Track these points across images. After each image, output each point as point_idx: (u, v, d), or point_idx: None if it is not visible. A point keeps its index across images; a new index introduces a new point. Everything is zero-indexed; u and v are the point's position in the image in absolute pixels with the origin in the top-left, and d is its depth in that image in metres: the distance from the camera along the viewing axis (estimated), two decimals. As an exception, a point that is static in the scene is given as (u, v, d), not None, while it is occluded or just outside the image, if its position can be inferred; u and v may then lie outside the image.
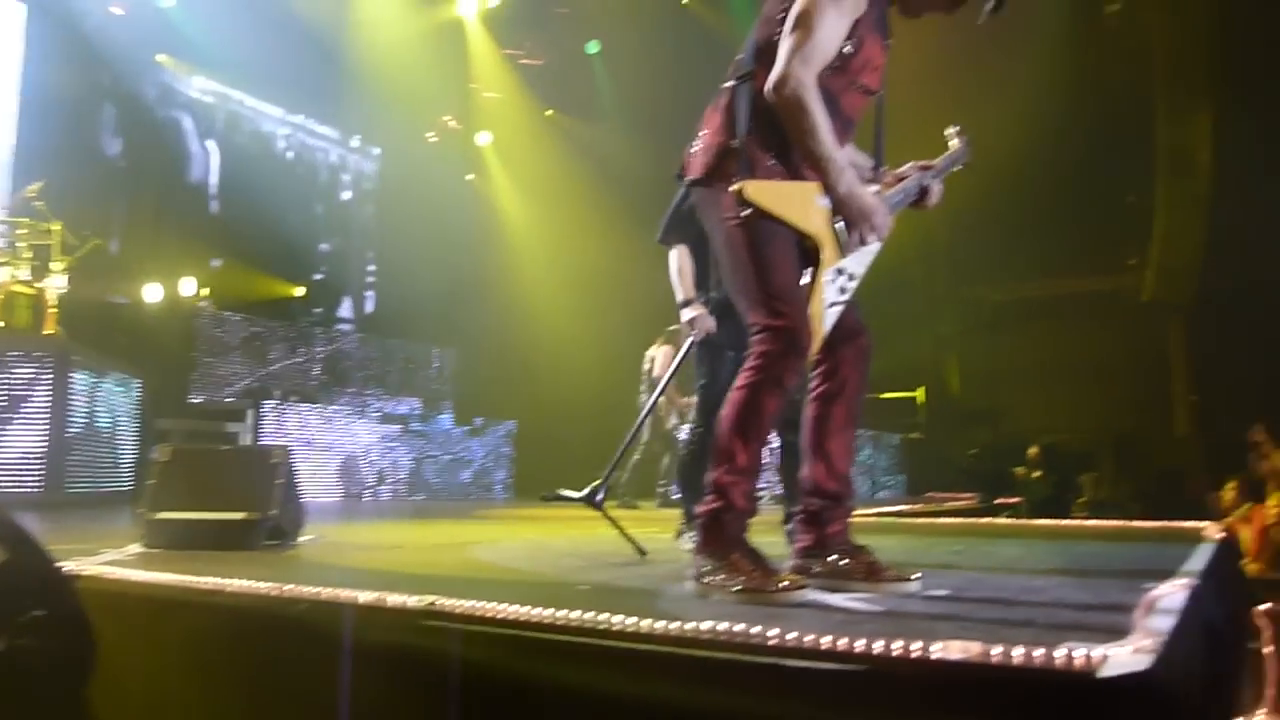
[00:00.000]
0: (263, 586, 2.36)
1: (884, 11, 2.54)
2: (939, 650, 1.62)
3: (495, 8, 13.66)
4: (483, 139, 15.36)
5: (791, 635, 1.75)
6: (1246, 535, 7.54)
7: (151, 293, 10.13)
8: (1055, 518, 9.53)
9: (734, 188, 2.38)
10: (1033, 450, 11.41)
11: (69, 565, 2.61)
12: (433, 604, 2.11)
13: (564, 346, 13.68)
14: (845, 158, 2.48)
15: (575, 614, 1.94)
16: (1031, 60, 12.34)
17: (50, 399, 6.91)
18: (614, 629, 1.87)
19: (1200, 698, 2.01)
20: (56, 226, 7.89)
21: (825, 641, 1.72)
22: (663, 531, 4.27)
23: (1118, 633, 1.77)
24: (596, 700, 1.82)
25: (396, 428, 10.65)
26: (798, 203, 2.44)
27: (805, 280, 2.45)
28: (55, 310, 7.68)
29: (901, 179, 2.75)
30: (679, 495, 3.35)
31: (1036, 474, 11.29)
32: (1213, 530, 4.38)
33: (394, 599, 2.16)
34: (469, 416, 11.64)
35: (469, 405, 12.29)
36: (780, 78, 2.35)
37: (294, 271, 12.91)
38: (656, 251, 4.39)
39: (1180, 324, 14.69)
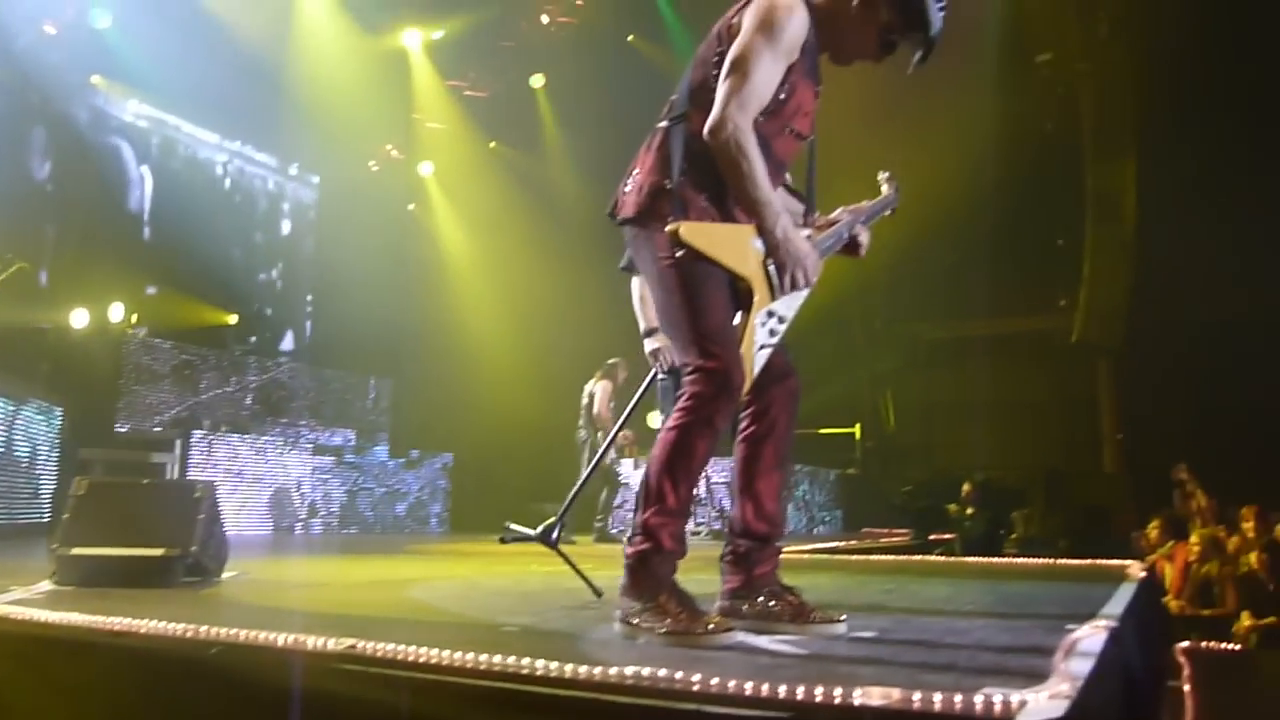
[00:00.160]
0: (175, 628, 2.28)
1: (816, 59, 2.59)
2: (860, 696, 1.62)
3: (439, 39, 13.66)
4: (425, 169, 15.30)
5: (714, 681, 1.74)
6: (1170, 572, 7.71)
7: (78, 318, 9.87)
8: (988, 554, 9.69)
9: (669, 228, 2.39)
10: (966, 487, 11.58)
11: (-29, 605, 2.51)
12: (352, 647, 2.06)
13: (502, 379, 13.60)
14: (779, 201, 2.51)
15: (497, 659, 1.91)
16: (966, 107, 12.68)
17: (-36, 427, 6.68)
18: (536, 674, 1.84)
19: (1117, 741, 2.04)
20: (-22, 249, 7.67)
21: (748, 687, 1.72)
22: (599, 568, 4.23)
23: (1037, 677, 1.79)
24: (517, 747, 1.79)
25: (330, 459, 10.46)
26: (732, 245, 2.46)
27: (737, 322, 2.47)
28: (-27, 335, 7.45)
29: (833, 224, 2.79)
30: None
31: (970, 511, 11.45)
32: (1136, 569, 4.47)
33: (313, 641, 2.11)
34: (405, 448, 11.48)
35: (405, 437, 12.14)
36: (718, 121, 2.38)
37: (228, 299, 12.67)
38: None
39: (1108, 364, 15.07)
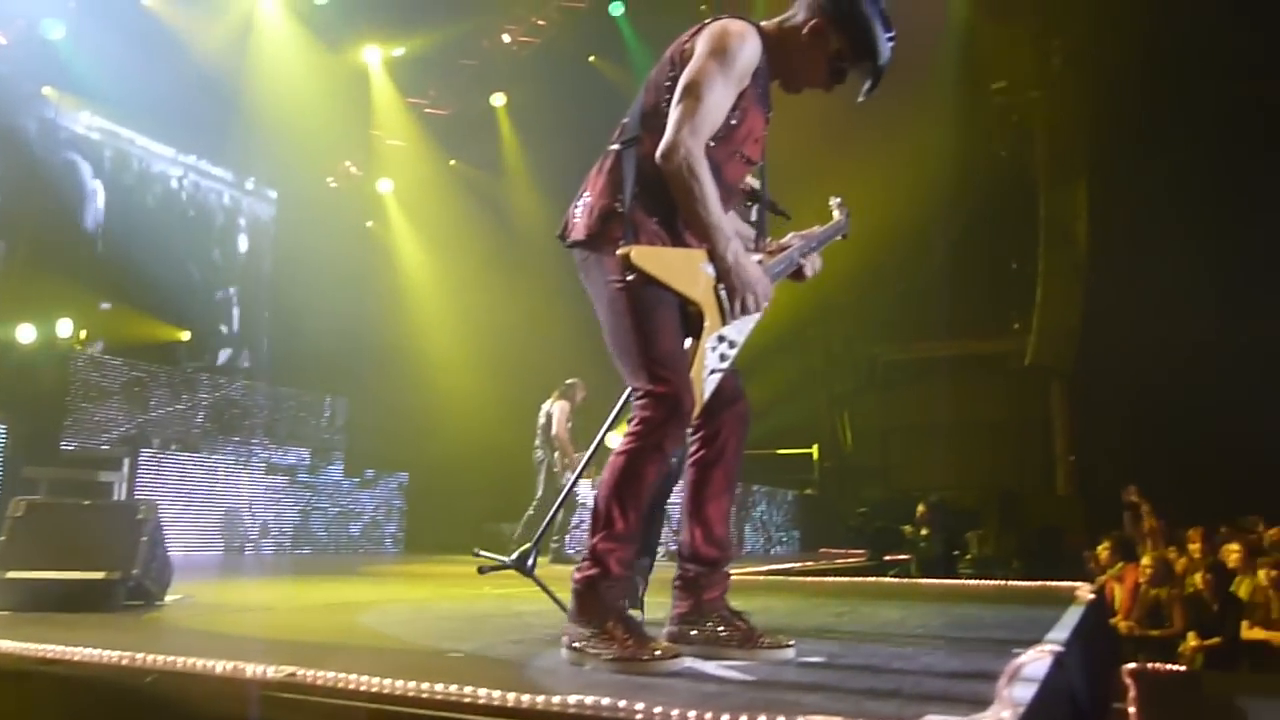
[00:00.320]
0: (109, 655, 2.22)
1: (767, 86, 2.61)
2: (802, 725, 1.62)
3: (400, 56, 13.61)
4: (384, 186, 15.21)
5: (658, 709, 1.73)
6: (1120, 593, 7.81)
7: (24, 334, 9.66)
8: (942, 575, 9.75)
9: (620, 252, 2.38)
10: (921, 508, 11.67)
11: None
12: (292, 675, 2.02)
13: (459, 398, 13.52)
14: (730, 226, 2.51)
15: (439, 687, 1.89)
16: (923, 133, 12.88)
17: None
18: (478, 702, 1.82)
19: (1060, 767, 2.05)
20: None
21: (691, 715, 1.71)
22: (558, 590, 4.18)
23: (980, 703, 1.80)
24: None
25: (283, 478, 10.32)
26: (683, 269, 2.46)
27: (687, 346, 2.47)
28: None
29: (784, 249, 2.80)
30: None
31: (924, 531, 11.53)
32: (1085, 591, 4.53)
33: (252, 669, 2.07)
34: (360, 468, 11.34)
35: (360, 456, 11.99)
36: (670, 146, 2.38)
37: (181, 315, 12.48)
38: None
39: (1061, 387, 15.29)
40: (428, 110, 14.58)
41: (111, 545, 3.58)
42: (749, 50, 2.47)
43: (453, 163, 15.10)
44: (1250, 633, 6.82)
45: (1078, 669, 2.73)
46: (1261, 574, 6.94)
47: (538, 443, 9.22)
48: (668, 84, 2.50)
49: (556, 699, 1.80)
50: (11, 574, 3.42)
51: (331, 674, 1.99)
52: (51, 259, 10.93)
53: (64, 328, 10.05)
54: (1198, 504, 9.53)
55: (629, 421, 2.42)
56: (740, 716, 1.68)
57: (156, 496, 8.60)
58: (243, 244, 14.04)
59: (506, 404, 12.26)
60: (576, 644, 2.32)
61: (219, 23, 11.71)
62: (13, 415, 8.26)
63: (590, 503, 2.51)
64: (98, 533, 3.65)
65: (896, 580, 7.83)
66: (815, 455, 16.46)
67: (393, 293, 14.68)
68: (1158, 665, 5.50)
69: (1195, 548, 8.07)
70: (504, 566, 3.39)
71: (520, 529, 8.87)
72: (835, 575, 7.63)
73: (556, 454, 9.04)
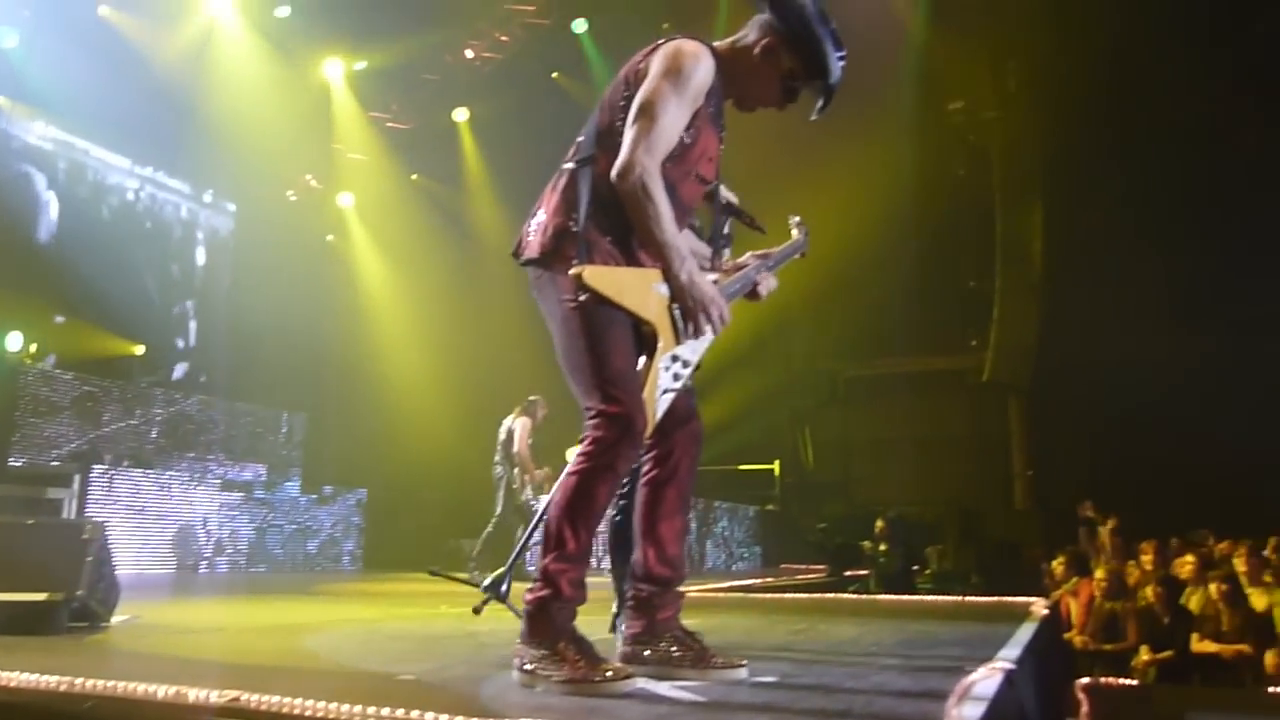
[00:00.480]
0: (47, 680, 2.16)
1: (721, 105, 2.62)
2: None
3: (362, 70, 13.55)
4: (345, 200, 15.10)
5: (606, 732, 1.72)
6: (1074, 608, 7.89)
7: (-30, 348, 9.46)
8: (902, 590, 9.81)
9: (573, 271, 2.37)
10: (880, 524, 11.74)
11: None
12: (236, 699, 1.98)
13: (418, 414, 13.42)
14: (686, 246, 2.51)
15: (386, 711, 1.86)
16: (881, 152, 13.03)
17: None
18: (426, 728, 1.79)
19: (1008, 786, 2.06)
20: None
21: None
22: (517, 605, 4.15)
23: (928, 723, 1.80)
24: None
25: (239, 495, 10.17)
26: (636, 289, 2.45)
27: (640, 366, 2.46)
28: None
29: (740, 268, 2.81)
30: (610, 572, 3.17)
31: (883, 547, 11.60)
32: (1039, 607, 4.57)
33: (195, 693, 2.02)
34: (318, 484, 11.22)
35: (318, 472, 11.87)
36: (625, 165, 2.38)
37: (135, 329, 12.28)
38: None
39: (1018, 403, 15.49)
40: (389, 124, 14.52)
41: (54, 565, 3.50)
42: (703, 70, 2.48)
43: (414, 177, 15.04)
44: (1200, 645, 6.91)
45: (1029, 686, 2.75)
46: (1212, 587, 7.04)
47: (497, 459, 9.16)
48: (622, 104, 2.50)
49: (505, 722, 1.78)
50: (-50, 596, 3.33)
51: (277, 698, 1.96)
52: (2, 271, 10.71)
53: (14, 341, 9.84)
54: (1152, 518, 9.67)
55: (581, 441, 2.41)
56: (689, 739, 1.67)
57: (108, 514, 8.45)
58: (200, 257, 13.85)
59: (466, 420, 12.20)
60: (528, 665, 2.30)
61: (177, 34, 11.59)
62: (-42, 431, 8.07)
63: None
64: (40, 553, 3.56)
65: (855, 597, 7.85)
66: (777, 471, 16.53)
67: (352, 308, 14.57)
68: (1110, 680, 5.55)
69: (1147, 559, 8.19)
70: (491, 597, 3.33)
71: (479, 545, 8.80)
72: (795, 592, 7.64)
73: (516, 470, 8.98)
